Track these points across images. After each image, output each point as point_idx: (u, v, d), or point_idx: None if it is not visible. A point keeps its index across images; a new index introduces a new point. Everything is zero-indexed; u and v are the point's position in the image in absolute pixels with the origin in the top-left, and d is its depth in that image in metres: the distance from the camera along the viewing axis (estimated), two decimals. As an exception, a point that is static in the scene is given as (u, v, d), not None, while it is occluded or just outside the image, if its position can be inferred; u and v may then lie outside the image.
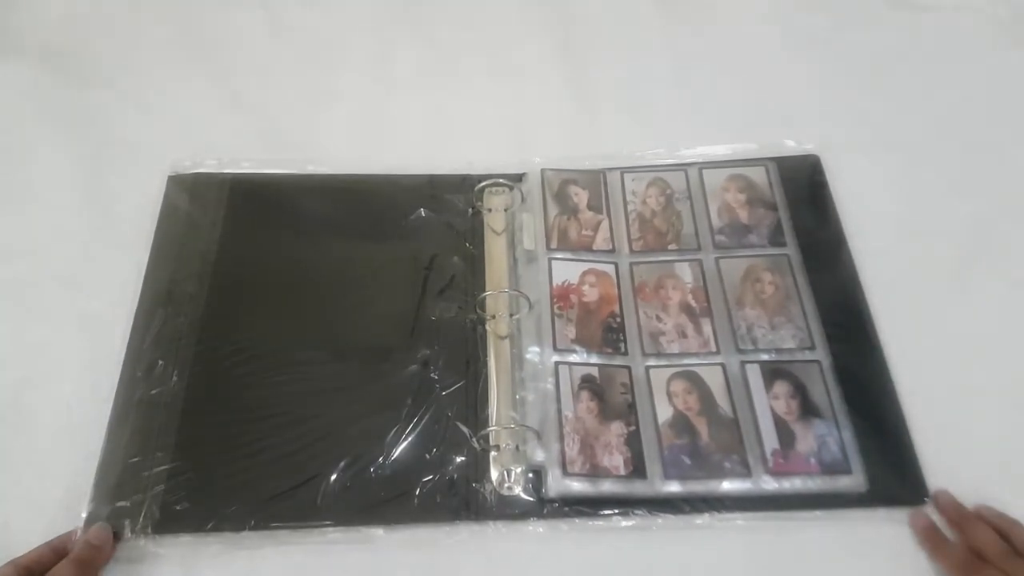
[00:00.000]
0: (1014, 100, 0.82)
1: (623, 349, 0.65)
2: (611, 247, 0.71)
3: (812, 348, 0.65)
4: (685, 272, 0.69)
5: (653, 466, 0.59)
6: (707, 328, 0.66)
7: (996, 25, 0.87)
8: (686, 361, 0.65)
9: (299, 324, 0.68)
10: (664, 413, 0.62)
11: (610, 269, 0.70)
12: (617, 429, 0.61)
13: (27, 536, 0.58)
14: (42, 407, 0.64)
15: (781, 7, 0.91)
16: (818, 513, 0.59)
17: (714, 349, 0.65)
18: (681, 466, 0.59)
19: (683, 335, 0.66)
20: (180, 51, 0.87)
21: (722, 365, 0.64)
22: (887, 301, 0.68)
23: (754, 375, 0.63)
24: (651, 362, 0.65)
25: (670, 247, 0.71)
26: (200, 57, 0.87)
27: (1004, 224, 0.74)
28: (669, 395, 0.63)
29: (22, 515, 0.60)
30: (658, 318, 0.67)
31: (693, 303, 0.68)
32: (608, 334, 0.66)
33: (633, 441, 0.61)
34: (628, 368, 0.64)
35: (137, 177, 0.76)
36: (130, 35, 0.88)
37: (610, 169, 0.76)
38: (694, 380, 0.63)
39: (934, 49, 0.86)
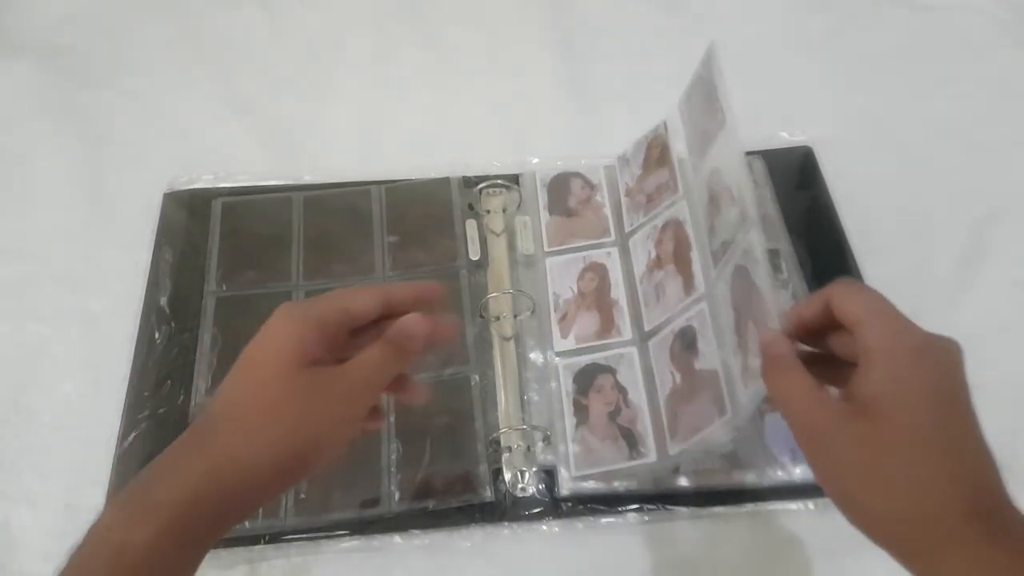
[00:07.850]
0: (1014, 100, 0.83)
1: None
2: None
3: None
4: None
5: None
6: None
7: (996, 25, 0.88)
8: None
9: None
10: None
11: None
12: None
13: (27, 535, 0.58)
14: (42, 407, 0.64)
15: (781, 5, 0.91)
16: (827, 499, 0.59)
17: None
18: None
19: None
20: (180, 52, 0.87)
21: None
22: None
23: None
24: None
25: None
26: (199, 57, 0.86)
27: (1004, 224, 0.74)
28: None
29: (22, 515, 0.59)
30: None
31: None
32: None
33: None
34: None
35: (137, 177, 0.76)
36: (130, 35, 0.88)
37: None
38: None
39: (934, 48, 0.87)
